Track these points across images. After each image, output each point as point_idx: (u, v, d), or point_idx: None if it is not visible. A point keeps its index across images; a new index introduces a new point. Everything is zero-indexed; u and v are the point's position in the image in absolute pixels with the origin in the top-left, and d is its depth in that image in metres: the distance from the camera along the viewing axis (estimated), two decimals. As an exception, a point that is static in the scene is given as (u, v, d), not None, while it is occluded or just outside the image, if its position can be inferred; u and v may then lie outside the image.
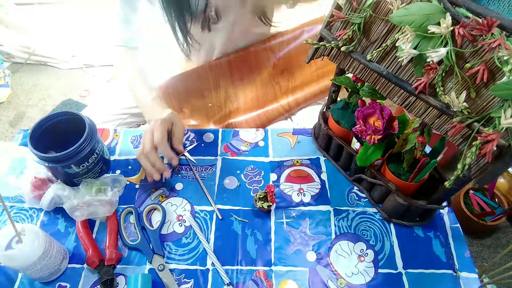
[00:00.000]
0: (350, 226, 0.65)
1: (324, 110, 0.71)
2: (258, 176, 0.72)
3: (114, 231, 0.63)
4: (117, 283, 0.59)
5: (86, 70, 1.88)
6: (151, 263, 0.60)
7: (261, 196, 0.64)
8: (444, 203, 0.59)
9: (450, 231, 0.64)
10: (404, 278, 0.59)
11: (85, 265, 0.60)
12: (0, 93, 1.72)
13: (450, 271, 0.60)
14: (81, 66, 1.89)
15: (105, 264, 0.59)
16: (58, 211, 0.67)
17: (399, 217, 0.63)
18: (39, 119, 0.65)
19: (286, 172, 0.72)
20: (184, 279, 0.59)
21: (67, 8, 2.00)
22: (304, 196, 0.69)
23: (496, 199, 1.24)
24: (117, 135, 0.79)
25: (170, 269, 0.60)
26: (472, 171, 0.44)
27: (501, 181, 1.28)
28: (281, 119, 0.94)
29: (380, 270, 0.60)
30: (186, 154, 0.75)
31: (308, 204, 0.68)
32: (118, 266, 0.61)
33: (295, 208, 0.67)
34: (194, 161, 0.74)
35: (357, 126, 0.58)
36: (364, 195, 0.68)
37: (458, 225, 0.65)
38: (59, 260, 0.58)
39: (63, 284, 0.59)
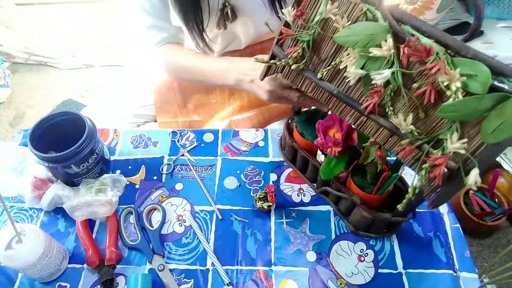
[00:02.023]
0: (350, 226, 0.65)
1: (289, 121, 0.70)
2: (258, 176, 0.72)
3: (114, 231, 0.63)
4: (117, 283, 0.59)
5: (86, 70, 1.88)
6: (151, 263, 0.60)
7: (261, 196, 0.64)
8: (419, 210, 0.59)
9: (450, 231, 0.64)
10: (404, 278, 0.59)
11: (85, 265, 0.60)
12: (0, 93, 1.72)
13: (450, 271, 0.60)
14: (81, 66, 1.89)
15: (105, 264, 0.59)
16: (58, 211, 0.67)
17: (366, 229, 0.62)
18: (39, 119, 0.65)
19: (286, 172, 0.72)
20: (184, 279, 0.59)
21: (67, 8, 2.00)
22: (304, 196, 0.69)
23: (496, 199, 1.24)
24: (117, 135, 0.79)
25: (170, 269, 0.60)
26: (424, 193, 0.43)
27: (501, 181, 1.28)
28: (284, 117, 0.94)
29: (380, 270, 0.60)
30: (186, 154, 0.75)
31: (308, 204, 0.68)
32: (118, 266, 0.61)
33: (295, 208, 0.67)
34: (194, 161, 0.74)
35: (318, 138, 0.57)
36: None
37: (458, 225, 0.65)
38: (59, 260, 0.58)
39: (63, 284, 0.59)
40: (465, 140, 0.37)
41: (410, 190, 0.41)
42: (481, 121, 0.36)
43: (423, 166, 0.40)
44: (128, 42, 1.86)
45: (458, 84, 0.35)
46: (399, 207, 0.44)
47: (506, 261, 1.20)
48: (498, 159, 1.32)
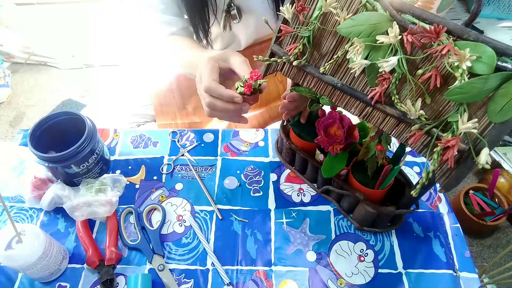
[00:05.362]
0: (350, 226, 0.65)
1: (285, 123, 0.70)
2: (258, 176, 0.72)
3: (114, 231, 0.63)
4: (117, 283, 0.59)
5: (86, 70, 1.88)
6: (151, 263, 0.60)
7: (246, 80, 0.53)
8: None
9: (450, 231, 0.64)
10: (404, 278, 0.59)
11: (85, 265, 0.60)
12: (0, 93, 1.72)
13: (450, 271, 0.60)
14: (81, 66, 1.89)
15: (105, 264, 0.59)
16: (58, 211, 0.67)
17: (370, 225, 0.63)
18: (39, 119, 0.65)
19: (286, 172, 0.72)
20: (184, 279, 0.59)
21: (67, 8, 2.00)
22: (304, 196, 0.69)
23: (496, 199, 1.24)
24: (117, 135, 0.79)
25: (170, 269, 0.60)
26: (436, 177, 0.44)
27: (501, 181, 1.28)
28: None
29: (380, 270, 0.60)
30: (186, 154, 0.75)
31: (308, 204, 0.68)
32: (118, 266, 0.61)
33: (295, 208, 0.67)
34: (194, 161, 0.74)
35: (319, 137, 0.58)
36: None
37: (458, 225, 0.65)
38: (59, 260, 0.58)
39: (63, 284, 0.59)
40: (476, 119, 0.37)
41: (423, 175, 0.42)
42: (486, 102, 0.37)
43: (435, 149, 0.40)
44: (130, 41, 1.86)
45: (469, 64, 0.35)
46: (413, 193, 0.44)
47: (506, 261, 1.20)
48: (498, 159, 1.33)
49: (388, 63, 0.40)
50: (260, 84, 0.52)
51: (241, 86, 0.52)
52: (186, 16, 0.80)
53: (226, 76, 0.56)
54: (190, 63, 0.71)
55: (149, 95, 0.93)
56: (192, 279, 0.59)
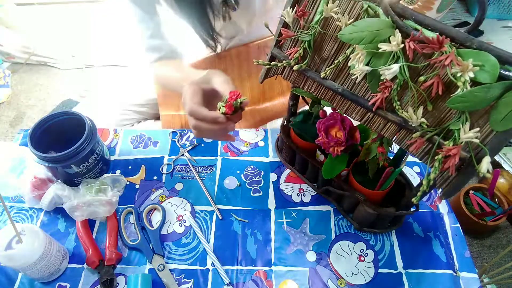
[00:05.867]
0: (350, 226, 0.65)
1: (285, 123, 0.69)
2: (258, 176, 0.72)
3: (114, 231, 0.63)
4: (117, 283, 0.59)
5: (86, 70, 1.88)
6: (151, 263, 0.60)
7: (226, 101, 0.54)
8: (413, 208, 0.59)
9: (450, 231, 0.64)
10: (404, 278, 0.59)
11: (85, 265, 0.60)
12: (0, 93, 1.72)
13: (450, 271, 0.60)
14: (81, 66, 1.89)
15: (105, 264, 0.59)
16: (58, 211, 0.67)
17: (370, 225, 0.63)
18: (39, 119, 0.65)
19: (286, 172, 0.72)
20: (184, 279, 0.59)
21: (67, 8, 2.00)
22: (304, 196, 0.69)
23: (496, 199, 1.24)
24: (117, 135, 0.79)
25: (170, 269, 0.60)
26: (437, 184, 0.44)
27: (501, 181, 1.28)
28: (281, 117, 0.94)
29: (380, 270, 0.60)
30: (186, 154, 0.75)
31: (308, 204, 0.68)
32: (118, 266, 0.61)
33: (295, 208, 0.67)
34: (194, 161, 0.74)
35: (320, 138, 0.57)
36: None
37: (458, 225, 0.65)
38: (59, 260, 0.58)
39: (63, 284, 0.59)
40: (478, 129, 0.37)
41: (424, 182, 0.41)
42: (488, 110, 0.37)
43: (436, 157, 0.40)
44: (130, 41, 1.86)
45: (471, 74, 0.35)
46: (414, 200, 0.44)
47: (506, 261, 1.20)
48: (498, 159, 1.33)
49: (390, 71, 0.39)
50: (241, 102, 0.52)
51: (222, 106, 0.53)
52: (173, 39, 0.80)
53: (212, 96, 0.57)
54: (177, 86, 0.69)
55: (153, 85, 0.92)
56: (192, 279, 0.59)
